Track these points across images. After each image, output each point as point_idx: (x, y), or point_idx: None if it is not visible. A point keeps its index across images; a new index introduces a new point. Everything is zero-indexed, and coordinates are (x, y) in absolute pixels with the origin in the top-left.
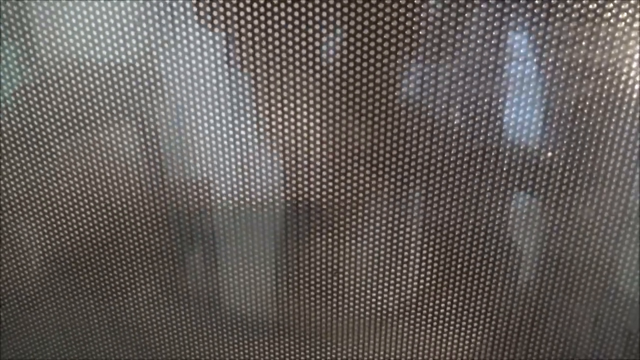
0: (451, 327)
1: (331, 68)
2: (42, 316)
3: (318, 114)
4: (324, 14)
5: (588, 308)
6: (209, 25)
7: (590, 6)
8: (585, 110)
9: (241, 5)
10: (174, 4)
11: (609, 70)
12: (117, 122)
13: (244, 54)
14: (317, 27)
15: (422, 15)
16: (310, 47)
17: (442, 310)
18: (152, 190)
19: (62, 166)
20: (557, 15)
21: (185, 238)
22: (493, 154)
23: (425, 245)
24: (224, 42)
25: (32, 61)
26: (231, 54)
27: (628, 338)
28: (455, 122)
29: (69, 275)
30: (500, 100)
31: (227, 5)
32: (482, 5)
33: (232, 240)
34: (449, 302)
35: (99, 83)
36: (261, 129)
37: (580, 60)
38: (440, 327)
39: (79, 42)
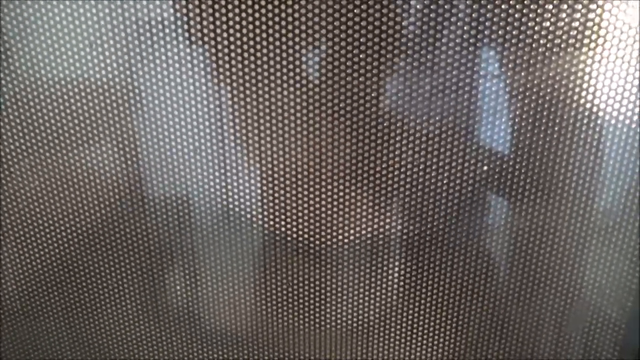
0: (427, 335)
1: (313, 84)
2: (16, 333)
3: (299, 129)
4: (306, 31)
5: (551, 313)
6: (190, 42)
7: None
8: (549, 124)
9: (223, 21)
10: (155, 21)
11: (570, 88)
12: (96, 139)
13: (226, 71)
14: (299, 44)
15: (401, 32)
16: (292, 65)
17: (419, 319)
18: (130, 208)
19: (38, 182)
20: (525, 40)
21: (164, 256)
22: (466, 167)
23: (404, 257)
24: (205, 59)
25: (9, 77)
26: (213, 71)
27: (587, 340)
28: (430, 137)
29: (43, 293)
30: (472, 114)
31: (209, 21)
32: (457, 24)
33: (212, 257)
34: (426, 311)
35: (78, 100)
36: (242, 145)
37: (542, 79)
38: (416, 335)
39: (59, 59)
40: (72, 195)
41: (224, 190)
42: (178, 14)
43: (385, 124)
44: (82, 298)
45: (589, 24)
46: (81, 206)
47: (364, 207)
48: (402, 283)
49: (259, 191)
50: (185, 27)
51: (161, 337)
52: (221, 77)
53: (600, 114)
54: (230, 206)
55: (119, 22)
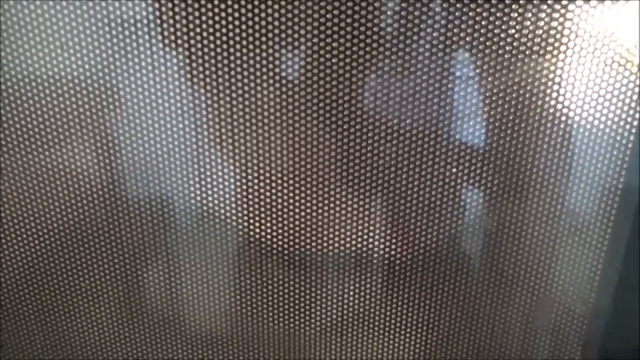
0: (398, 336)
1: (292, 85)
2: None
3: (278, 128)
4: (284, 34)
5: (519, 313)
6: (167, 43)
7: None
8: (518, 127)
9: (202, 22)
10: (132, 21)
11: (538, 91)
12: (72, 139)
13: (204, 70)
14: (277, 46)
15: (374, 37)
16: (271, 65)
17: (390, 320)
18: (108, 207)
19: (13, 180)
20: (492, 46)
21: (141, 256)
22: (436, 169)
23: (378, 260)
24: (182, 59)
25: None
26: (191, 72)
27: (552, 339)
28: (402, 140)
29: (19, 294)
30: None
31: (188, 22)
32: (427, 30)
33: (189, 259)
34: (397, 312)
35: (55, 100)
36: (220, 144)
37: (511, 83)
38: (387, 336)
39: (38, 58)
40: (49, 195)
41: (201, 191)
42: (155, 15)
43: (360, 126)
44: (58, 299)
45: (552, 32)
46: (57, 206)
47: (341, 212)
48: (374, 286)
49: (235, 193)
50: (162, 27)
51: (138, 337)
52: (199, 77)
53: (566, 117)
54: (209, 206)
55: (96, 22)
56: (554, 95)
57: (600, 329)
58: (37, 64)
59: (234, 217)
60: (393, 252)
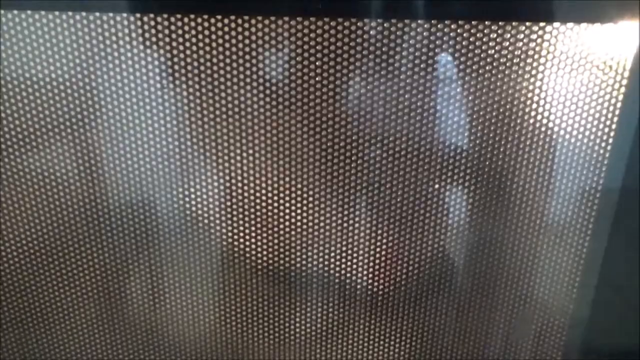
0: (382, 339)
1: (274, 85)
2: None
3: (261, 130)
4: (274, 39)
5: (502, 317)
6: (149, 44)
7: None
8: (501, 131)
9: (182, 24)
10: (115, 23)
11: (517, 107)
12: (54, 144)
13: (186, 72)
14: (261, 45)
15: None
16: (252, 65)
17: (375, 322)
18: (88, 213)
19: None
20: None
21: (123, 264)
22: (420, 181)
23: (367, 269)
24: (163, 61)
25: None
26: (173, 73)
27: (534, 342)
28: (385, 157)
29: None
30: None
31: (170, 24)
32: (414, 33)
33: (172, 263)
34: (381, 316)
35: (35, 104)
36: (203, 147)
37: (494, 100)
38: (373, 338)
39: (19, 60)
40: (30, 200)
41: (186, 198)
42: (137, 19)
43: (348, 140)
44: (37, 307)
45: (530, 52)
46: (38, 211)
47: (326, 226)
48: (356, 300)
49: (219, 201)
50: (146, 32)
51: (120, 346)
52: (180, 79)
53: (545, 129)
54: (194, 214)
55: (79, 25)
56: (535, 108)
57: (580, 332)
58: (23, 67)
59: (218, 227)
60: (376, 265)
